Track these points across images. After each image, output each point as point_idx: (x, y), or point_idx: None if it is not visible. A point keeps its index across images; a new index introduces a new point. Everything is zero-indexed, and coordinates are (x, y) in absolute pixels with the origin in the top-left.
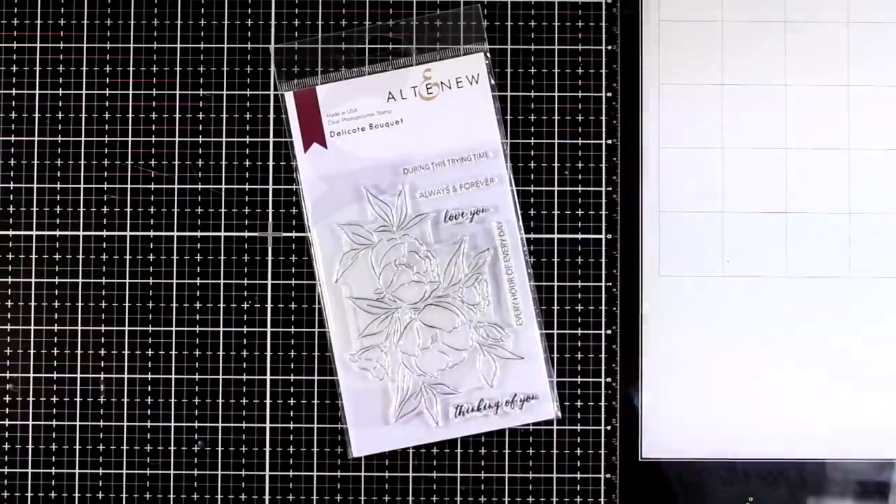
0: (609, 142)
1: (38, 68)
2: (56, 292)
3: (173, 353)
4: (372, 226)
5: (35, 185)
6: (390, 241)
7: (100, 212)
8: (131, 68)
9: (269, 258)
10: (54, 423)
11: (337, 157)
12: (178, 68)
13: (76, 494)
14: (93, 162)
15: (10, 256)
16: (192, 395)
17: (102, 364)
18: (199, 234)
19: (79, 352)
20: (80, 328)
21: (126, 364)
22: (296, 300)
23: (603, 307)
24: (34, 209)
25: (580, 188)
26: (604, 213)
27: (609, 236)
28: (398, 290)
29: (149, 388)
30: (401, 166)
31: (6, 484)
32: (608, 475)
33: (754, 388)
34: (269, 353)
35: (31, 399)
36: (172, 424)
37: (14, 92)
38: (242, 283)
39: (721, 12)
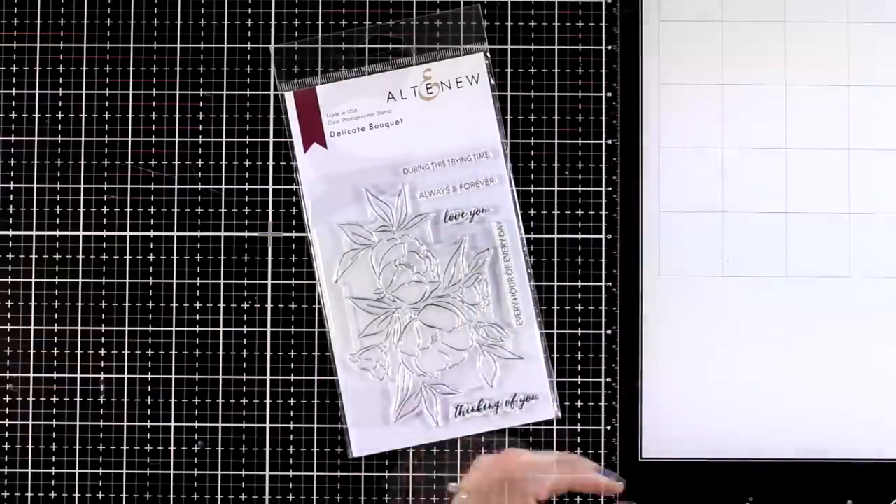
0: (609, 142)
1: (38, 68)
2: (56, 292)
3: (173, 353)
4: (372, 226)
5: (35, 185)
6: (390, 241)
7: (100, 212)
8: (131, 68)
9: (269, 258)
10: (54, 423)
11: (337, 157)
12: (178, 68)
13: (76, 494)
14: (93, 162)
15: (10, 256)
16: (192, 395)
17: (102, 364)
18: (199, 234)
19: (79, 352)
20: (80, 328)
21: (126, 364)
22: (296, 300)
23: (603, 307)
24: (34, 209)
25: (580, 188)
26: (604, 213)
27: (609, 236)
28: (398, 290)
29: (149, 388)
30: (401, 166)
31: (6, 484)
32: None
33: (754, 389)
34: (269, 353)
35: (31, 399)
36: (172, 424)
37: (14, 92)
38: (242, 283)
39: (721, 12)
